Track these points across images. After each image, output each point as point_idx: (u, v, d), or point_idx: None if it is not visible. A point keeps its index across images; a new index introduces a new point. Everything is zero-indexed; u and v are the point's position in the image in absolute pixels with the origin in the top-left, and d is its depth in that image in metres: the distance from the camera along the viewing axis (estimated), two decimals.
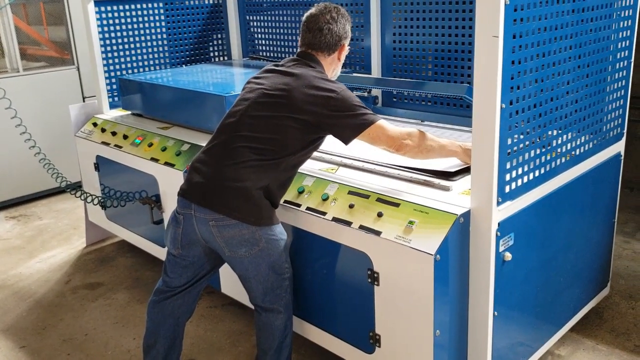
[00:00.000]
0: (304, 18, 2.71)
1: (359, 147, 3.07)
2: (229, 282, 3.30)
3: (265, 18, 4.70)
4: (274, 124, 2.48)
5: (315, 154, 3.00)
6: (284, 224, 2.79)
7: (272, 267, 2.57)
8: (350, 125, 2.48)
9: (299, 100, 2.47)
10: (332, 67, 2.74)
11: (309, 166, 2.89)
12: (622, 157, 3.12)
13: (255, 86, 2.62)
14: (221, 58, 4.98)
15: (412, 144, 2.52)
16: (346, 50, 2.75)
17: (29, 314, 3.71)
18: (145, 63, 4.56)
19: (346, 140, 2.52)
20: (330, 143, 3.16)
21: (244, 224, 2.47)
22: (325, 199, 2.64)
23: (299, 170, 2.83)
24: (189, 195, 2.54)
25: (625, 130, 3.08)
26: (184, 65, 4.71)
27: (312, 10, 2.70)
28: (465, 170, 2.61)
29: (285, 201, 2.76)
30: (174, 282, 2.70)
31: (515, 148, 2.28)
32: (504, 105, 2.14)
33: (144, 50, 4.53)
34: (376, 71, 3.96)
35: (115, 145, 3.84)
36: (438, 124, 3.53)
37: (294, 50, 4.52)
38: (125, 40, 4.40)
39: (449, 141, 2.67)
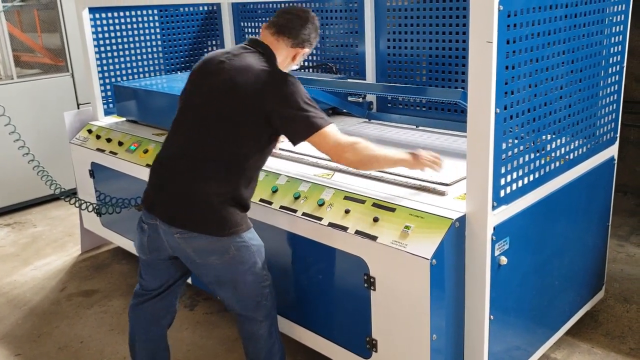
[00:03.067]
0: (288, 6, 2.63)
1: None
2: None
3: (260, 24, 4.71)
4: (229, 127, 2.39)
5: (310, 159, 3.02)
6: (280, 230, 2.80)
7: (247, 274, 2.52)
8: (301, 126, 2.40)
9: (252, 98, 2.36)
10: (284, 64, 2.60)
11: (304, 172, 2.90)
12: (616, 161, 3.14)
13: (204, 81, 2.50)
14: None
15: (354, 155, 2.44)
16: (302, 56, 2.66)
17: (24, 321, 3.69)
18: (140, 70, 4.56)
19: (295, 141, 2.44)
20: None
21: (211, 236, 2.42)
22: (321, 204, 2.64)
23: (294, 176, 2.85)
24: (151, 210, 2.49)
25: (618, 134, 3.10)
26: (178, 72, 4.72)
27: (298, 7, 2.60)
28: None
29: (281, 206, 2.76)
30: (150, 285, 2.67)
31: (509, 152, 2.30)
32: (498, 110, 2.15)
33: (139, 57, 4.54)
34: (370, 77, 3.97)
35: (111, 152, 3.84)
36: (433, 129, 3.55)
37: None
38: (120, 47, 4.40)
39: (396, 150, 2.60)
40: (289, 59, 2.62)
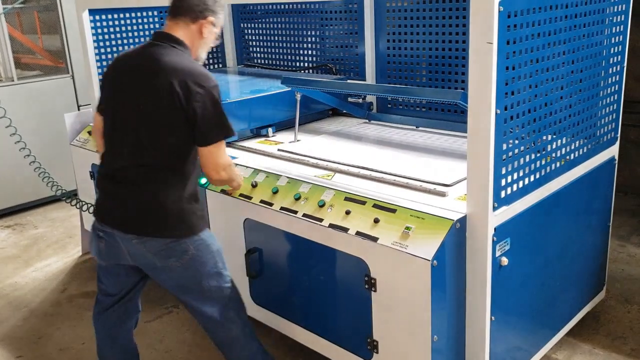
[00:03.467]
0: None
1: (356, 154, 3.09)
2: None
3: (260, 26, 4.71)
4: (163, 130, 2.37)
5: (310, 160, 3.02)
6: (280, 231, 2.80)
7: (209, 276, 2.52)
8: (215, 126, 2.38)
9: (177, 99, 2.31)
10: (196, 45, 2.52)
11: (305, 173, 2.90)
12: (616, 161, 3.13)
13: (129, 89, 2.44)
14: (216, 66, 4.99)
15: (225, 174, 2.47)
16: (212, 31, 2.55)
17: (24, 323, 3.69)
18: None
19: (202, 143, 2.39)
20: (327, 149, 3.17)
21: (168, 238, 2.42)
22: (321, 205, 2.64)
23: (295, 177, 2.85)
24: (106, 221, 2.48)
25: (619, 135, 3.10)
26: None
27: None
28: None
29: (282, 207, 2.76)
30: (110, 290, 2.66)
31: (510, 153, 2.30)
32: (498, 111, 2.15)
33: None
34: (370, 77, 3.97)
35: None
36: (433, 130, 3.54)
37: (289, 57, 4.54)
38: (120, 48, 4.39)
39: (240, 176, 2.71)
40: (197, 37, 2.52)
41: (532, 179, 2.48)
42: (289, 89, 3.65)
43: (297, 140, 3.42)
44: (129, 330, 2.76)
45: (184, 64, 2.38)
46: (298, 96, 3.42)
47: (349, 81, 3.91)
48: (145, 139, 2.39)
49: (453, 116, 3.62)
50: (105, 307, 2.69)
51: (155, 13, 4.55)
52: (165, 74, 2.34)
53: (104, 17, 4.25)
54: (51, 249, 4.73)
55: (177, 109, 2.32)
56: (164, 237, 2.41)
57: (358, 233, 2.45)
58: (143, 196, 2.42)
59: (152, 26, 4.54)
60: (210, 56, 4.95)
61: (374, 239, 2.39)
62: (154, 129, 2.38)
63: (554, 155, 2.60)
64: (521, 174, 2.40)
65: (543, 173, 2.54)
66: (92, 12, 4.16)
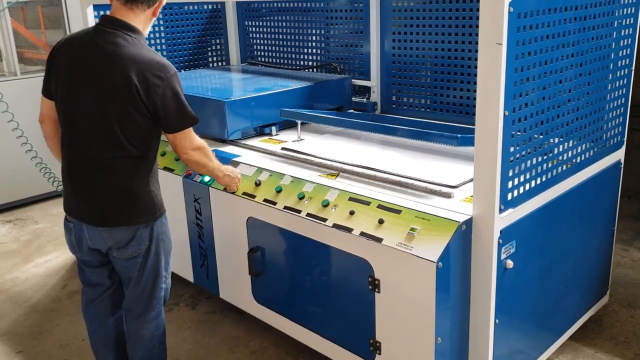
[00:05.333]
0: None
1: (360, 154, 3.07)
2: (227, 287, 3.28)
3: (264, 24, 4.69)
4: (123, 122, 2.34)
5: (315, 159, 3.00)
6: (283, 230, 2.79)
7: (152, 271, 2.57)
8: (177, 117, 2.39)
9: (136, 91, 2.29)
10: (147, 26, 2.50)
11: (308, 172, 2.89)
12: (622, 165, 3.12)
13: (83, 78, 2.37)
14: (219, 63, 4.98)
15: (198, 154, 2.52)
16: (163, 3, 2.51)
17: (25, 318, 3.68)
18: None
19: (170, 130, 2.41)
20: (331, 149, 3.15)
21: (138, 226, 2.47)
22: (325, 205, 2.63)
23: (298, 177, 2.83)
24: (73, 214, 2.52)
25: (625, 139, 3.08)
26: (182, 71, 4.70)
27: None
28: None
29: (285, 207, 2.75)
30: (94, 280, 2.69)
31: (517, 155, 2.28)
32: (507, 113, 2.13)
33: None
34: (375, 77, 3.96)
35: None
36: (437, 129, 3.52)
37: (293, 55, 4.53)
38: None
39: (218, 164, 2.71)
40: (150, 18, 2.49)
41: (538, 181, 2.46)
42: (294, 87, 3.65)
43: (301, 139, 3.41)
44: (117, 319, 2.77)
45: (141, 54, 2.33)
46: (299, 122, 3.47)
47: (349, 120, 3.85)
48: (106, 132, 2.35)
49: (458, 117, 3.60)
50: (92, 298, 2.72)
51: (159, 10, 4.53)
52: (123, 66, 2.29)
53: (108, 12, 4.22)
54: (52, 245, 4.71)
55: (137, 101, 2.30)
56: (124, 225, 2.46)
57: (362, 234, 2.44)
58: (108, 187, 2.42)
59: (156, 22, 4.51)
60: (214, 54, 4.94)
61: (379, 240, 2.38)
62: (113, 121, 2.34)
63: (560, 158, 2.58)
64: (528, 176, 2.39)
65: (549, 176, 2.53)
66: (97, 7, 4.14)
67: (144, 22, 2.45)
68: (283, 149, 3.21)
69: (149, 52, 2.37)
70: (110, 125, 2.34)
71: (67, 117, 2.44)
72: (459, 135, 2.77)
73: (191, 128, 2.46)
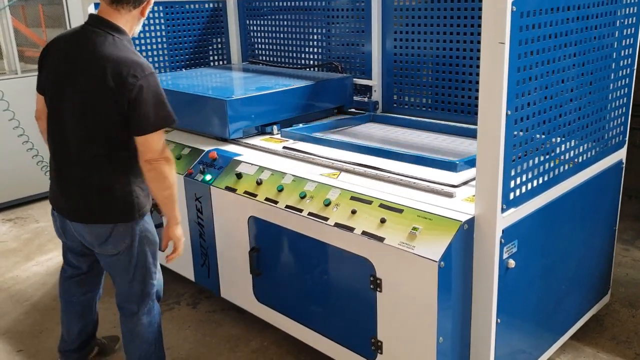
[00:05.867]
0: None
1: (362, 153, 3.07)
2: (228, 286, 3.28)
3: (265, 22, 4.69)
4: (102, 121, 2.38)
5: (316, 159, 3.00)
6: (285, 229, 2.78)
7: (139, 267, 2.61)
8: (149, 116, 2.35)
9: (111, 90, 2.32)
10: (134, 26, 2.52)
11: (310, 171, 2.88)
12: (624, 165, 3.12)
13: (66, 77, 2.44)
14: (220, 62, 4.97)
15: (168, 167, 2.43)
16: (150, 6, 2.54)
17: (25, 317, 3.67)
18: None
19: (138, 133, 2.38)
20: (333, 148, 3.15)
21: (111, 224, 2.51)
22: (327, 204, 2.62)
23: (300, 176, 2.83)
24: (56, 207, 2.63)
25: (627, 138, 3.08)
26: (183, 69, 4.70)
27: None
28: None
29: (287, 206, 2.75)
30: (74, 263, 2.83)
31: (519, 155, 2.28)
32: (509, 112, 2.13)
33: (143, 54, 4.50)
34: (376, 76, 3.95)
35: None
36: (439, 129, 3.52)
37: (294, 54, 4.52)
38: None
39: (176, 207, 2.58)
40: (137, 18, 2.51)
41: (540, 181, 2.46)
42: (295, 86, 3.64)
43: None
44: (89, 301, 2.95)
45: (119, 54, 2.35)
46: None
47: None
48: (87, 130, 2.41)
49: (459, 116, 3.60)
50: (69, 276, 2.88)
51: (161, 8, 4.53)
52: (100, 65, 2.33)
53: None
54: (52, 243, 4.70)
55: (113, 100, 2.33)
56: (102, 223, 2.50)
57: (364, 233, 2.44)
58: (87, 184, 2.48)
59: (157, 20, 4.52)
60: (215, 52, 4.93)
61: (380, 239, 2.38)
62: (94, 120, 2.39)
63: (562, 157, 2.58)
64: (530, 176, 2.38)
65: (551, 175, 2.52)
66: (98, 5, 4.13)
67: (130, 22, 2.48)
68: (284, 148, 3.21)
69: (128, 52, 2.40)
70: (89, 124, 2.40)
71: (52, 114, 2.51)
72: (457, 162, 2.66)
73: (160, 132, 2.40)
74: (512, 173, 2.26)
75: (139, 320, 2.71)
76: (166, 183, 2.46)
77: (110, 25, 2.42)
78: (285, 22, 4.52)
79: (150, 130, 2.37)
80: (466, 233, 2.28)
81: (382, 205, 2.48)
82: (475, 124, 2.23)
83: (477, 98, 2.17)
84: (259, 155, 3.20)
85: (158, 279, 2.76)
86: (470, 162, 2.60)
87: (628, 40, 2.84)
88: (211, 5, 4.80)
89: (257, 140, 3.41)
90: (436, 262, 2.19)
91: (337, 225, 2.54)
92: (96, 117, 2.38)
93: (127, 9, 2.44)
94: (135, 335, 2.73)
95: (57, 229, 2.71)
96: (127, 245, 2.55)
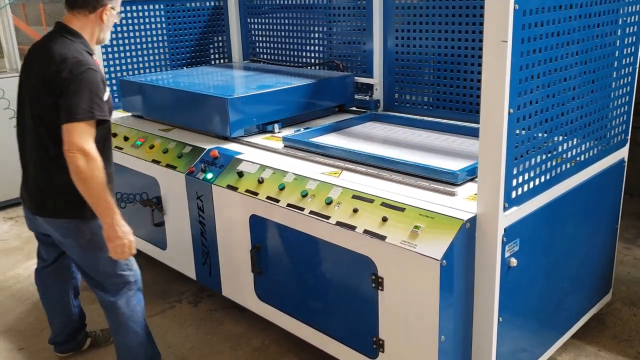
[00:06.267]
0: None
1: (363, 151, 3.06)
2: (230, 285, 3.28)
3: (266, 21, 4.69)
4: (49, 118, 2.49)
5: (318, 157, 2.99)
6: (287, 228, 2.78)
7: (109, 260, 2.64)
8: (70, 107, 2.40)
9: (51, 87, 2.45)
10: (96, 32, 2.64)
11: (311, 169, 2.88)
12: (626, 163, 3.11)
13: (26, 76, 2.62)
14: (221, 60, 4.97)
15: (83, 161, 2.38)
16: (113, 14, 2.65)
17: (27, 315, 3.67)
18: (146, 65, 4.54)
19: (61, 123, 2.42)
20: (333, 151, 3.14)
21: (67, 220, 2.61)
22: (328, 202, 2.62)
23: (301, 174, 2.82)
24: (23, 203, 2.82)
25: (629, 137, 3.08)
26: (184, 67, 4.70)
27: None
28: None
29: (288, 204, 2.74)
30: (43, 254, 3.00)
31: (522, 153, 2.27)
32: (512, 110, 2.13)
33: (144, 52, 4.51)
34: (378, 75, 3.95)
35: (116, 147, 3.81)
36: (440, 129, 3.51)
37: (295, 53, 4.52)
38: (126, 41, 4.38)
39: (109, 200, 2.49)
40: (97, 23, 2.62)
41: (542, 179, 2.45)
42: (296, 85, 3.64)
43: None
44: (64, 295, 3.06)
45: (63, 52, 2.47)
46: None
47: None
48: (36, 128, 2.55)
49: (461, 115, 3.60)
50: (41, 268, 3.04)
51: (162, 7, 4.53)
52: (46, 65, 2.47)
53: None
54: None
55: (53, 96, 2.45)
56: (59, 217, 2.62)
57: (366, 231, 2.43)
58: (41, 180, 2.63)
59: (157, 19, 4.53)
60: (216, 51, 4.93)
61: (382, 238, 2.37)
62: (40, 118, 2.53)
63: (564, 156, 2.58)
64: (532, 174, 2.38)
65: (553, 174, 2.52)
66: None
67: (89, 26, 2.61)
68: (286, 146, 3.20)
69: (74, 51, 2.51)
70: (37, 124, 2.56)
71: (17, 115, 2.70)
72: (458, 172, 2.56)
73: (83, 128, 2.40)
74: (514, 171, 2.26)
75: (118, 311, 2.78)
76: (80, 177, 2.41)
77: (67, 30, 2.58)
78: (286, 21, 4.51)
79: (69, 120, 2.42)
80: (468, 232, 2.27)
81: (383, 204, 2.47)
82: (477, 122, 2.23)
83: (479, 96, 2.17)
84: (261, 153, 3.20)
85: (134, 270, 2.81)
86: (473, 171, 2.58)
87: (630, 38, 2.84)
88: (212, 3, 4.80)
89: (258, 139, 3.41)
90: (438, 260, 2.19)
91: (338, 223, 2.54)
92: (44, 115, 2.51)
93: (82, 14, 2.58)
94: (118, 325, 2.81)
95: (26, 221, 2.88)
96: (87, 240, 2.64)
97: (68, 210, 2.59)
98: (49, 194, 2.62)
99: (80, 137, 2.41)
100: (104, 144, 2.62)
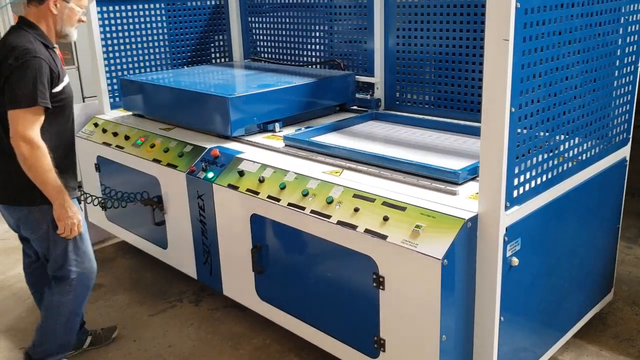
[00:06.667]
0: None
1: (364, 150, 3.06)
2: (230, 284, 3.28)
3: (267, 20, 4.68)
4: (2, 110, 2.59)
5: (319, 157, 2.99)
6: (287, 227, 2.78)
7: (61, 253, 2.75)
8: (14, 94, 2.50)
9: (4, 71, 2.55)
10: (51, 24, 2.72)
11: (312, 169, 2.87)
12: (628, 163, 3.10)
13: None
14: (222, 59, 4.96)
15: (27, 148, 2.50)
16: (64, 6, 2.72)
17: (28, 314, 3.67)
18: (146, 64, 4.53)
19: (6, 109, 2.53)
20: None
21: (29, 207, 2.69)
22: (329, 202, 2.62)
23: (302, 173, 2.81)
24: None
25: (631, 136, 3.07)
26: (185, 66, 4.69)
27: None
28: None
29: (289, 203, 2.74)
30: (26, 250, 3.08)
31: (523, 152, 2.27)
32: (513, 109, 2.12)
33: (145, 51, 4.51)
34: (379, 73, 3.94)
35: (117, 146, 3.81)
36: (442, 128, 3.50)
37: (296, 52, 4.52)
38: (127, 40, 4.37)
39: (58, 184, 2.62)
40: (49, 15, 2.70)
41: (544, 178, 2.45)
42: (297, 84, 3.63)
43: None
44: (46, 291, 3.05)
45: (15, 42, 2.58)
46: None
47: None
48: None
49: (462, 113, 3.60)
50: (26, 266, 3.14)
51: (162, 5, 4.52)
52: (1, 53, 2.58)
53: (111, 8, 4.22)
54: None
55: (3, 84, 2.53)
56: (12, 204, 2.73)
57: (367, 231, 2.43)
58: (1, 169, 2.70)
59: (158, 18, 4.52)
60: (217, 50, 4.93)
61: (383, 237, 2.37)
62: (2, 106, 2.58)
63: (566, 155, 2.57)
64: (534, 173, 2.37)
65: (555, 173, 2.51)
66: (100, 3, 4.14)
67: (42, 18, 2.70)
68: (287, 145, 3.19)
69: (25, 40, 2.60)
70: None
71: None
72: (459, 171, 2.56)
73: (28, 115, 2.50)
74: (516, 171, 2.26)
75: (52, 296, 2.89)
76: (26, 164, 2.54)
77: (25, 22, 2.69)
78: (287, 19, 4.51)
79: (11, 106, 2.50)
80: (469, 231, 2.27)
81: (385, 203, 2.47)
82: (479, 121, 2.22)
83: (480, 95, 2.17)
84: (261, 152, 3.19)
85: (85, 268, 2.86)
86: (474, 170, 2.58)
87: (632, 37, 2.83)
88: (213, 2, 4.80)
89: (259, 138, 3.41)
90: (439, 260, 2.19)
91: (339, 223, 2.53)
92: (2, 105, 2.56)
93: (34, 5, 2.69)
94: (47, 306, 2.92)
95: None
96: (45, 230, 2.73)
97: (19, 196, 2.67)
98: (4, 181, 2.71)
99: (23, 125, 2.50)
100: (63, 130, 2.72)
